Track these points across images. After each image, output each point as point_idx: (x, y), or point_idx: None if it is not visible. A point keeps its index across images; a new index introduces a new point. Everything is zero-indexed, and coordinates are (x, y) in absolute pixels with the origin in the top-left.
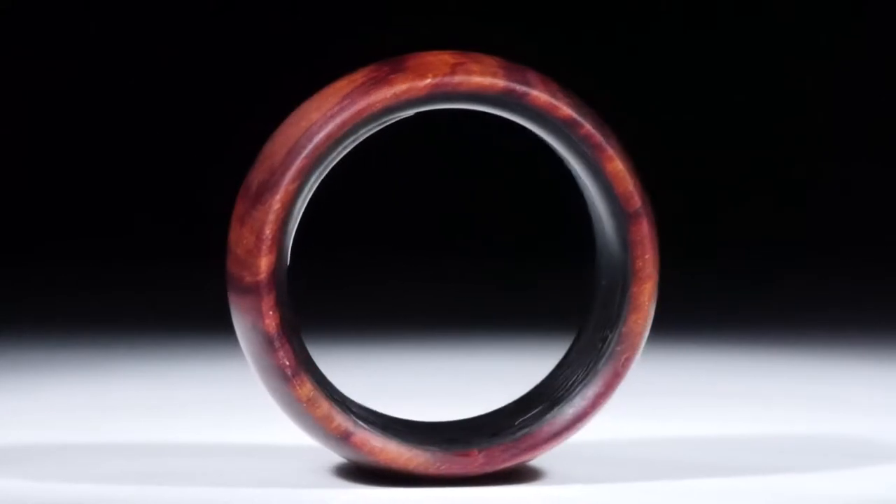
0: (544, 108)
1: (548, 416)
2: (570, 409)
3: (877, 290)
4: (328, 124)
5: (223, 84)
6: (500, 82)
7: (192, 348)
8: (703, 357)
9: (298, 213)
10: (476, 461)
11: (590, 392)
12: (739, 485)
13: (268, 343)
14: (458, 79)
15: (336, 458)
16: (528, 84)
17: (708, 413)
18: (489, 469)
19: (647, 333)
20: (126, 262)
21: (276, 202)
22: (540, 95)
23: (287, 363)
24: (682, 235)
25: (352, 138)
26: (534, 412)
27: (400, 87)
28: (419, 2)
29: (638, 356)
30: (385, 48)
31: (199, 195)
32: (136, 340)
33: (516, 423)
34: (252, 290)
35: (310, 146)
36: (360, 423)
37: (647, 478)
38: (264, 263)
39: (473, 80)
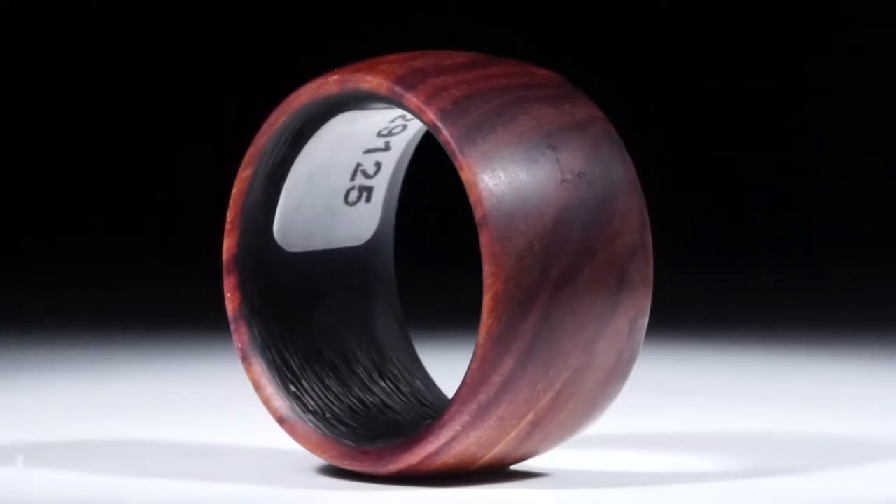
0: (415, 111)
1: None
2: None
3: (877, 290)
4: (271, 116)
5: (223, 84)
6: (385, 83)
7: (191, 348)
8: (703, 357)
9: (259, 197)
10: (368, 460)
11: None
12: (739, 485)
13: (229, 324)
14: (356, 77)
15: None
16: (411, 88)
17: (707, 412)
18: (375, 470)
19: (489, 344)
20: (126, 261)
21: (234, 188)
22: (412, 99)
23: (239, 345)
24: (680, 235)
25: (290, 129)
26: (433, 419)
27: (315, 83)
28: (419, 2)
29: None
30: (384, 48)
31: (200, 194)
32: (135, 340)
33: (421, 426)
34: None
35: (258, 136)
36: (298, 409)
37: (646, 478)
38: (226, 246)
39: (366, 81)
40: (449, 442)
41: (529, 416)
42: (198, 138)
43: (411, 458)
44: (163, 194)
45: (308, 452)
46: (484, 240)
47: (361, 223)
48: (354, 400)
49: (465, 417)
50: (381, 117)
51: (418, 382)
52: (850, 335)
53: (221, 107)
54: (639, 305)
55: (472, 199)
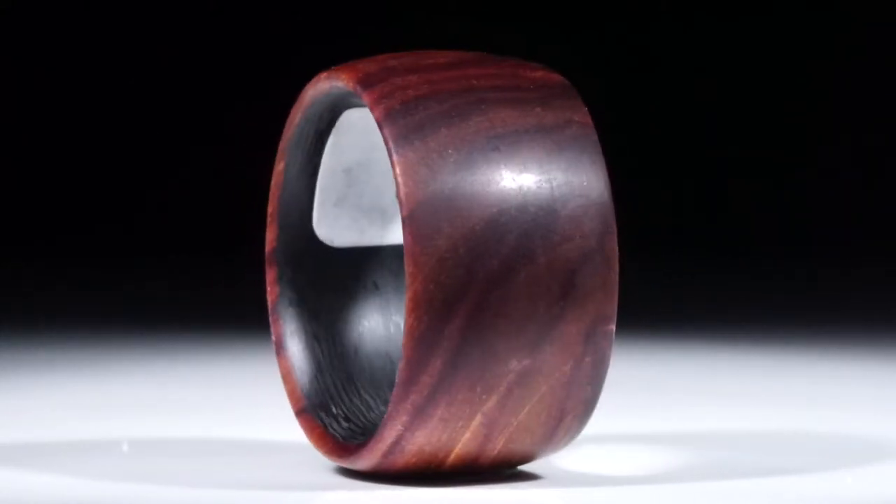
0: (368, 107)
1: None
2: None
3: (876, 290)
4: (292, 110)
5: (224, 83)
6: (351, 81)
7: (191, 348)
8: (703, 356)
9: (295, 191)
10: (347, 456)
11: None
12: (739, 485)
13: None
14: (335, 74)
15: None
16: (369, 86)
17: (707, 412)
18: (353, 467)
19: (411, 344)
20: (126, 260)
21: (272, 181)
22: (366, 97)
23: (274, 337)
24: (680, 235)
25: (308, 123)
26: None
27: (315, 79)
28: (419, 2)
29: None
30: (384, 48)
31: (200, 194)
32: (135, 340)
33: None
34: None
35: (284, 130)
36: (314, 405)
37: (646, 477)
38: (267, 238)
39: (340, 78)
40: (397, 442)
41: (478, 418)
42: (197, 138)
43: (371, 457)
44: (163, 194)
45: (310, 453)
46: (406, 240)
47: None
48: (374, 398)
49: (404, 417)
50: None
51: None
52: (850, 335)
53: (221, 106)
54: (597, 311)
55: (398, 200)
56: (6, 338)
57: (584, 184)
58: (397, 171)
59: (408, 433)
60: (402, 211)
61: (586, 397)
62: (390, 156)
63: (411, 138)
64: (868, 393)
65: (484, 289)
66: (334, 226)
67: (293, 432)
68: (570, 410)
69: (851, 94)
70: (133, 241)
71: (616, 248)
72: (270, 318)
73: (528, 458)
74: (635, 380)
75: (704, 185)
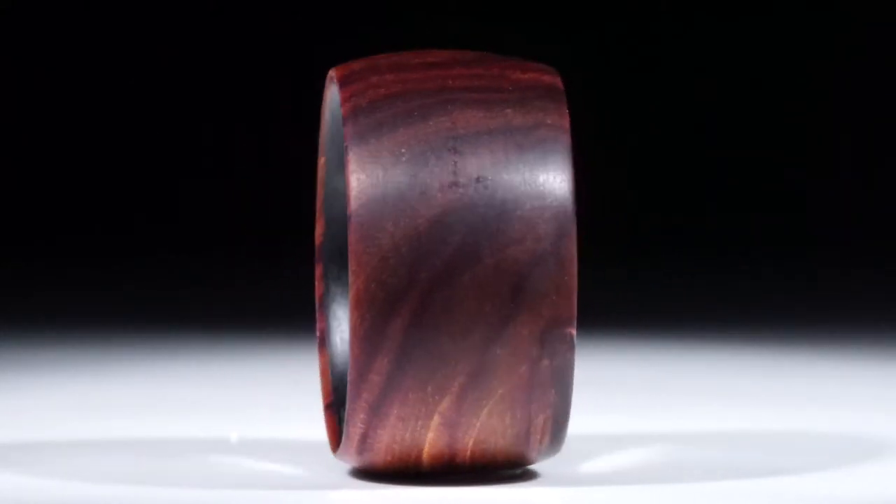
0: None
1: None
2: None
3: (876, 289)
4: (322, 108)
5: (224, 83)
6: (335, 78)
7: (192, 348)
8: (703, 356)
9: (339, 186)
10: (343, 452)
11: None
12: (740, 485)
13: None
14: (332, 71)
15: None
16: (345, 84)
17: (708, 412)
18: (348, 464)
19: (356, 342)
20: (127, 260)
21: (317, 176)
22: (340, 94)
23: (318, 333)
24: (680, 235)
25: (336, 120)
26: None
27: (329, 78)
28: (420, 1)
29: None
30: (385, 48)
31: (200, 193)
32: (135, 340)
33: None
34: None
35: (321, 127)
36: (340, 401)
37: (646, 478)
38: (316, 232)
39: (331, 76)
40: (363, 440)
41: (436, 419)
42: (197, 137)
43: (349, 455)
44: (163, 194)
45: (314, 452)
46: (350, 238)
47: None
48: None
49: (361, 415)
50: None
51: None
52: (850, 335)
53: (223, 106)
54: (551, 314)
55: (348, 197)
56: (6, 338)
57: (542, 186)
58: (349, 168)
59: (371, 431)
60: (348, 208)
61: (553, 401)
62: (345, 154)
63: (368, 137)
64: (868, 393)
65: (427, 289)
66: None
67: (296, 432)
68: (538, 413)
69: (852, 94)
70: (133, 241)
71: (573, 252)
72: (317, 313)
73: (514, 461)
74: (636, 379)
75: (704, 184)
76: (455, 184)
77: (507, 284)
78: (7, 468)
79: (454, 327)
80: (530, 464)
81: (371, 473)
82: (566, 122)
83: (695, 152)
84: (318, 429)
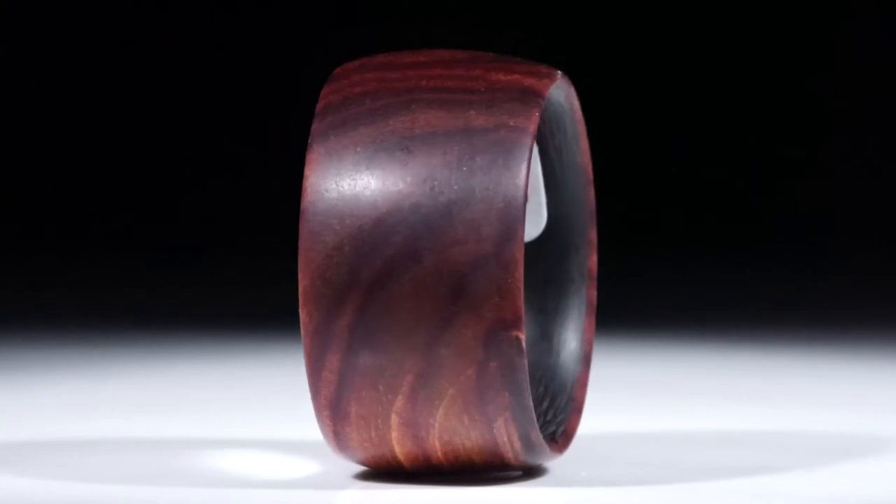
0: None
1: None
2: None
3: (876, 289)
4: None
5: (224, 82)
6: (333, 74)
7: (192, 348)
8: (703, 356)
9: None
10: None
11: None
12: (743, 483)
13: None
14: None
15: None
16: (332, 80)
17: (709, 411)
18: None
19: (307, 339)
20: (127, 260)
21: None
22: (324, 88)
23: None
24: (681, 234)
25: None
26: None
27: None
28: (420, 1)
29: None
30: (384, 47)
31: (201, 194)
32: (135, 340)
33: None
34: None
35: None
36: None
37: (647, 477)
38: None
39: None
40: (337, 438)
41: (393, 418)
42: (197, 138)
43: (336, 453)
44: (164, 194)
45: (313, 453)
46: (300, 235)
47: (527, 221)
48: None
49: (326, 412)
50: None
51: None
52: (848, 334)
53: (226, 106)
54: (495, 317)
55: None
56: (6, 338)
57: (490, 188)
58: (306, 166)
59: (339, 430)
60: (301, 205)
61: (508, 404)
62: (307, 150)
63: (329, 134)
64: (868, 392)
65: (368, 288)
66: None
67: (300, 432)
68: (496, 415)
69: (852, 94)
70: (133, 242)
71: (517, 255)
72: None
73: (494, 464)
74: (633, 380)
75: (704, 184)
76: (403, 184)
77: (447, 286)
78: (7, 468)
79: (397, 326)
80: (519, 467)
81: (371, 474)
82: (531, 125)
83: (695, 152)
84: (318, 429)
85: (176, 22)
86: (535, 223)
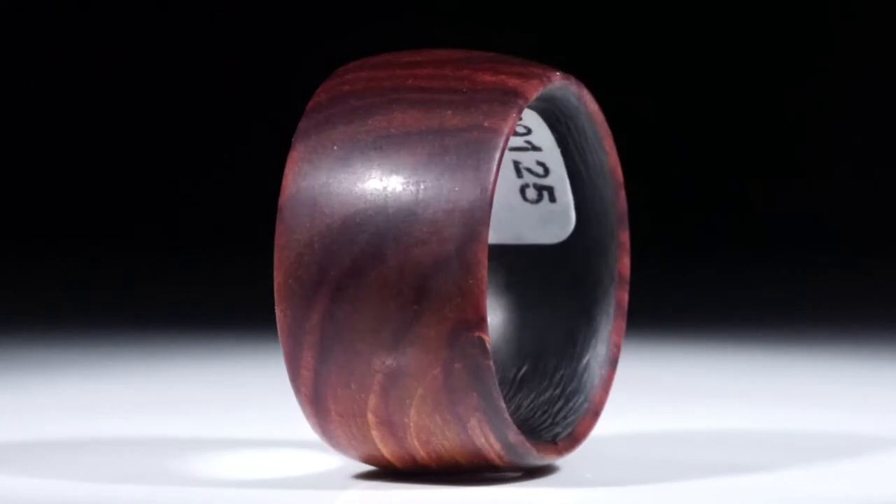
0: None
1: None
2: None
3: (876, 289)
4: None
5: (226, 82)
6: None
7: (194, 347)
8: (705, 355)
9: None
10: None
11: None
12: (741, 484)
13: None
14: None
15: (345, 457)
16: (329, 78)
17: (709, 411)
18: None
19: (283, 336)
20: (126, 260)
21: None
22: (320, 86)
23: None
24: (682, 234)
25: None
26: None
27: None
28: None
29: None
30: (384, 48)
31: (201, 194)
32: (136, 340)
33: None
34: None
35: None
36: None
37: (647, 477)
38: None
39: None
40: (326, 437)
41: (369, 417)
42: (197, 138)
43: (340, 452)
44: (164, 193)
45: (315, 454)
46: (276, 232)
47: (554, 222)
48: None
49: (308, 408)
50: None
51: (555, 393)
52: (850, 335)
53: (227, 106)
54: (457, 317)
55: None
56: (6, 338)
57: (456, 189)
58: (286, 163)
59: (325, 427)
60: (279, 202)
61: (478, 404)
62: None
63: (311, 133)
64: (868, 392)
65: (336, 287)
66: None
67: (300, 432)
68: (468, 416)
69: (853, 94)
70: (133, 241)
71: (479, 256)
72: None
73: (481, 465)
74: (633, 379)
75: (705, 184)
76: (371, 183)
77: (410, 285)
78: (7, 468)
79: (363, 325)
80: (510, 468)
81: (371, 474)
82: (506, 126)
83: (695, 151)
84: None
85: (178, 21)
86: (563, 224)
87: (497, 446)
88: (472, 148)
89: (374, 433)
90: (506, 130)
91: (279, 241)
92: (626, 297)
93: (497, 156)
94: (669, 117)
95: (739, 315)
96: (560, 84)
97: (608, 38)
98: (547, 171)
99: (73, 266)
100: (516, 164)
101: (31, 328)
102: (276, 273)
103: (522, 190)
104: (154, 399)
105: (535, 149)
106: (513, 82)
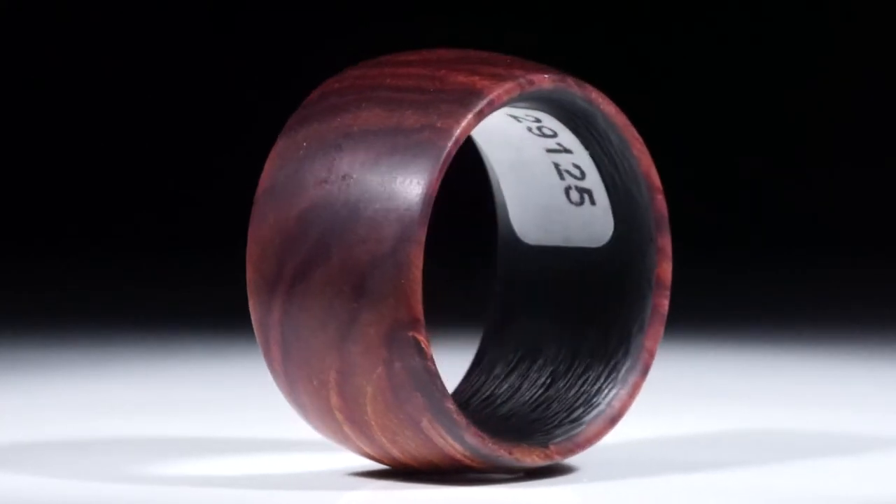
0: None
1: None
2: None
3: (876, 289)
4: None
5: (226, 82)
6: None
7: (198, 346)
8: (705, 355)
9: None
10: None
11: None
12: (741, 484)
13: None
14: None
15: (346, 457)
16: (334, 75)
17: (709, 411)
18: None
19: (256, 330)
20: (126, 260)
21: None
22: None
23: None
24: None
25: None
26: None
27: None
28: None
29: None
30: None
31: (201, 193)
32: (135, 340)
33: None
34: None
35: None
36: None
37: (647, 477)
38: None
39: None
40: (321, 430)
41: (336, 414)
42: (197, 138)
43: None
44: (164, 193)
45: (315, 454)
46: (249, 226)
47: (596, 225)
48: (490, 394)
49: (289, 400)
50: (513, 116)
51: (577, 395)
52: (850, 335)
53: (227, 105)
54: (393, 317)
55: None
56: (6, 338)
57: (395, 188)
58: (267, 159)
59: (308, 420)
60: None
61: (424, 405)
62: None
63: (294, 129)
64: (868, 392)
65: (290, 282)
66: (525, 223)
67: (300, 432)
68: (418, 416)
69: (853, 94)
70: (133, 241)
71: (413, 256)
72: None
73: (457, 465)
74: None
75: (705, 184)
76: (325, 181)
77: (351, 284)
78: (7, 468)
79: (313, 322)
80: (490, 470)
81: (371, 473)
82: (457, 128)
83: (695, 153)
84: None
85: (178, 22)
86: (604, 227)
87: (458, 447)
88: (419, 148)
89: (347, 430)
90: (456, 132)
91: (250, 235)
92: (665, 303)
93: (441, 156)
94: (669, 117)
95: (739, 315)
96: (552, 87)
97: (608, 39)
98: (583, 174)
99: (73, 266)
100: (556, 166)
101: (31, 328)
102: (247, 267)
103: (567, 192)
104: (154, 399)
105: (567, 151)
106: (482, 83)
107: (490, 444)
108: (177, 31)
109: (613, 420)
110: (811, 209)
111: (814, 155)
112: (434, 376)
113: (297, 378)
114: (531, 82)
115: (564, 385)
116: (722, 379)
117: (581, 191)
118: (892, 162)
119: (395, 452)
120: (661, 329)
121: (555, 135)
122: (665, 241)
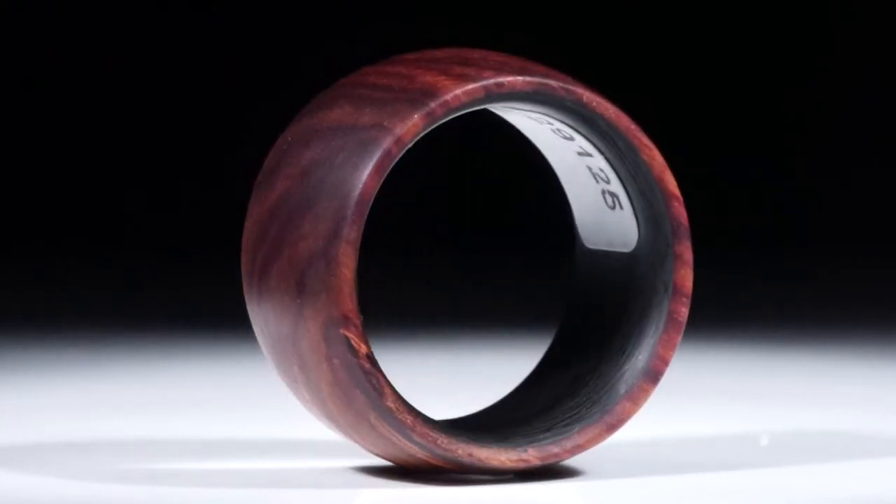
0: None
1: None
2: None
3: (876, 289)
4: None
5: (226, 82)
6: None
7: (194, 347)
8: (705, 355)
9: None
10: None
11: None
12: (741, 484)
13: None
14: None
15: (346, 457)
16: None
17: (709, 411)
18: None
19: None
20: (126, 260)
21: None
22: None
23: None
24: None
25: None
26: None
27: None
28: (422, 1)
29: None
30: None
31: (201, 193)
32: (144, 338)
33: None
34: None
35: None
36: None
37: (648, 477)
38: None
39: None
40: (315, 419)
41: (314, 409)
42: (197, 138)
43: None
44: (164, 193)
45: (315, 455)
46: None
47: (626, 229)
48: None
49: (286, 389)
50: (536, 119)
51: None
52: (850, 335)
53: (228, 105)
54: (327, 313)
55: None
56: (6, 338)
57: (335, 186)
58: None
59: (308, 409)
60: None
61: (366, 403)
62: None
63: (292, 127)
64: (869, 392)
65: (259, 274)
66: (585, 226)
67: (300, 432)
68: (366, 412)
69: (853, 94)
70: (133, 241)
71: (343, 255)
72: None
73: (427, 464)
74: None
75: (704, 184)
76: (289, 175)
77: (294, 279)
78: (7, 468)
79: (272, 315)
80: (457, 468)
81: (371, 472)
82: (401, 127)
83: (694, 153)
84: (318, 428)
85: (178, 22)
86: (632, 231)
87: (411, 447)
88: (362, 147)
89: (327, 424)
90: (398, 131)
91: (244, 232)
92: (683, 310)
93: (379, 155)
94: (668, 117)
95: (740, 315)
96: (529, 89)
97: (608, 39)
98: (608, 178)
99: (73, 266)
100: (589, 169)
101: (31, 328)
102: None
103: (604, 195)
104: (154, 399)
105: (588, 154)
106: (443, 84)
107: (451, 446)
108: (177, 31)
109: (612, 427)
110: (811, 209)
111: (814, 155)
112: (369, 374)
113: (280, 370)
114: (500, 84)
115: (575, 389)
116: (722, 379)
117: (611, 195)
118: (892, 162)
119: (375, 450)
120: (678, 337)
121: (572, 138)
122: (683, 249)
